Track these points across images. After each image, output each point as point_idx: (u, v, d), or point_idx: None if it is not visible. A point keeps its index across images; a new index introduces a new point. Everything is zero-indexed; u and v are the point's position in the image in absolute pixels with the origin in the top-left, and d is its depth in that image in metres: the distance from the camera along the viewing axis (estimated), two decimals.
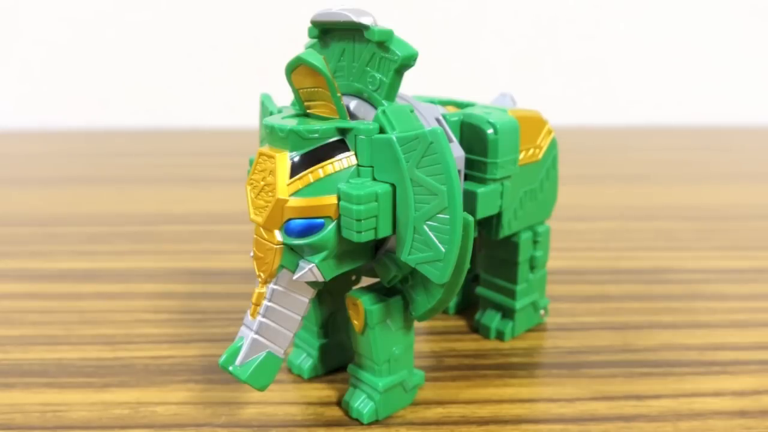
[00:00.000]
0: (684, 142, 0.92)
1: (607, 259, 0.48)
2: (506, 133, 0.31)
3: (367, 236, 0.25)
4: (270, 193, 0.26)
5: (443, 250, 0.25)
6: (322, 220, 0.26)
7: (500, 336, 0.37)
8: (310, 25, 0.28)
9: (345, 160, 0.26)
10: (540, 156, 0.35)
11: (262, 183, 0.26)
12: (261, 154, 0.27)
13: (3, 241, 0.53)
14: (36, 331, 0.38)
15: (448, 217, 0.24)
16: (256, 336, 0.27)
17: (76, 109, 1.01)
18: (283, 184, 0.25)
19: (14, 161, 0.83)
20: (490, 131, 0.30)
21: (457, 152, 0.30)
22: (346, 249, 0.27)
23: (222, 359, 0.27)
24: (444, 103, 0.35)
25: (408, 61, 0.26)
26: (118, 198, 0.65)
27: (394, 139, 0.25)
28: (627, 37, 1.01)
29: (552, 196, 0.36)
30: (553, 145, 0.35)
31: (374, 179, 0.26)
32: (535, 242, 0.36)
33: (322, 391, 0.32)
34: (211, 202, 0.63)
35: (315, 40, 0.29)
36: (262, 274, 0.27)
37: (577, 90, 1.02)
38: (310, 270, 0.26)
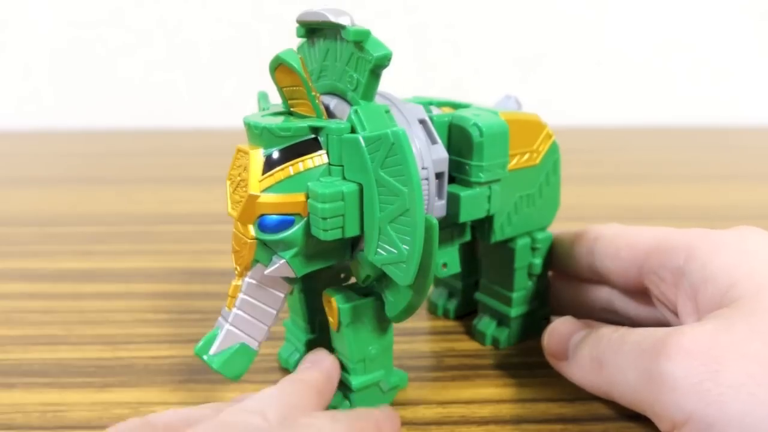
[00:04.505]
0: (684, 142, 0.92)
1: None
2: (493, 137, 0.30)
3: (333, 234, 0.25)
4: (244, 189, 0.26)
5: (405, 251, 0.25)
6: (292, 217, 0.26)
7: (495, 343, 0.36)
8: (297, 24, 0.28)
9: (317, 158, 0.26)
10: (538, 160, 0.34)
11: (239, 178, 0.27)
12: (238, 150, 0.27)
13: (3, 241, 0.53)
14: (36, 331, 0.38)
15: (409, 218, 0.24)
16: (231, 327, 0.27)
17: (76, 109, 1.01)
18: (255, 181, 0.26)
19: (14, 161, 0.83)
20: (475, 134, 0.30)
21: (441, 154, 0.29)
22: (318, 246, 0.27)
23: (197, 346, 0.27)
24: (440, 104, 0.35)
25: (382, 62, 0.25)
26: (118, 198, 0.65)
27: (361, 139, 0.25)
28: (626, 37, 1.01)
29: (553, 202, 0.35)
30: (553, 149, 0.34)
31: (344, 178, 0.26)
32: (533, 249, 0.35)
33: None
34: (211, 202, 0.63)
35: (304, 40, 0.29)
36: (238, 267, 0.27)
37: (577, 90, 1.02)
38: (281, 265, 0.26)
